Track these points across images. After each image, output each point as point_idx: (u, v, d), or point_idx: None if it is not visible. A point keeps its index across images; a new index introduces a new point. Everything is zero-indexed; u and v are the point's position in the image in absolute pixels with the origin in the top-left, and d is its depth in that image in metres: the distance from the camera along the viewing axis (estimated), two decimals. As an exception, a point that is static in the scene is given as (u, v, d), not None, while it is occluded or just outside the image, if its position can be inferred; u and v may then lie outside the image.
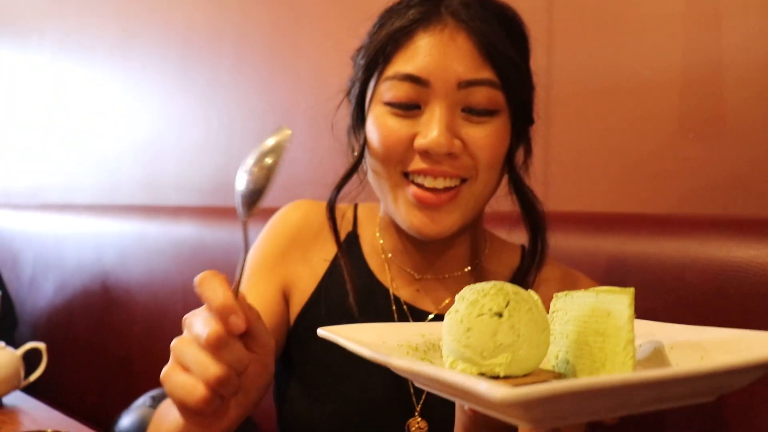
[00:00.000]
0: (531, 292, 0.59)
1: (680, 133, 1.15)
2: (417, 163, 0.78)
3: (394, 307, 0.88)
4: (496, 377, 0.55)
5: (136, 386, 1.82)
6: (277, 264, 0.92)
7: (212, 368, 0.53)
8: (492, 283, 0.57)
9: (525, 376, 0.56)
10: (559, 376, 0.59)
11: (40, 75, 3.09)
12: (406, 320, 0.87)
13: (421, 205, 0.78)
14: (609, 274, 1.02)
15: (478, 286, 0.57)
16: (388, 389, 0.85)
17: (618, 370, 0.53)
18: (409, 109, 0.78)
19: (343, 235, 0.92)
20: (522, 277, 0.87)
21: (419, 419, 0.84)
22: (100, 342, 2.03)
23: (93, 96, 2.74)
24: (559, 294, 0.61)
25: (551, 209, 1.30)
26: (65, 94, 2.91)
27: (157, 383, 1.57)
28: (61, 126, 2.93)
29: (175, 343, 0.57)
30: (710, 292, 0.91)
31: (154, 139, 2.39)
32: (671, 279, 0.95)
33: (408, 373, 0.51)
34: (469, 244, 0.90)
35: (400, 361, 0.49)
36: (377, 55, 0.80)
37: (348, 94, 0.91)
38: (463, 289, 0.58)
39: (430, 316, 0.88)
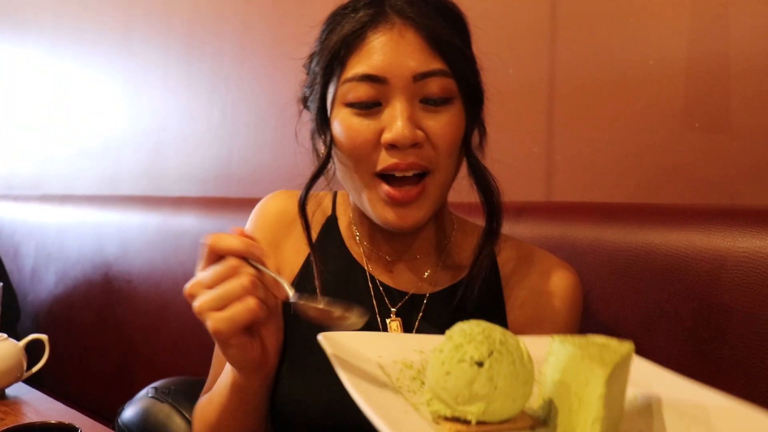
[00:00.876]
0: (521, 342, 0.58)
1: (686, 124, 1.14)
2: (386, 161, 0.82)
3: (371, 287, 0.93)
4: (467, 422, 0.56)
5: (139, 377, 1.82)
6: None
7: (248, 279, 0.70)
8: (482, 327, 0.57)
9: (501, 422, 0.56)
10: (535, 422, 0.58)
11: (41, 67, 3.09)
12: (382, 299, 0.92)
13: (393, 202, 0.83)
14: (613, 265, 1.01)
15: (468, 328, 0.57)
16: None
17: None
18: (371, 107, 0.82)
19: (322, 220, 0.99)
20: (479, 256, 0.90)
21: None
22: (102, 333, 2.03)
23: (94, 87, 2.73)
24: (556, 337, 0.60)
25: (555, 200, 1.30)
26: (66, 85, 2.90)
27: (159, 374, 1.57)
28: (63, 117, 2.92)
29: (203, 294, 0.71)
30: (716, 282, 0.91)
31: (155, 130, 2.38)
32: (677, 269, 0.95)
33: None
34: (436, 229, 0.96)
35: (361, 402, 0.53)
36: (332, 60, 0.84)
37: (305, 101, 0.95)
38: (454, 326, 0.59)
39: (406, 296, 0.92)
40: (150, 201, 2.11)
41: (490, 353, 0.55)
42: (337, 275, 0.94)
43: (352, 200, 0.96)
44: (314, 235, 0.97)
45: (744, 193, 1.07)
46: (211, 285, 0.70)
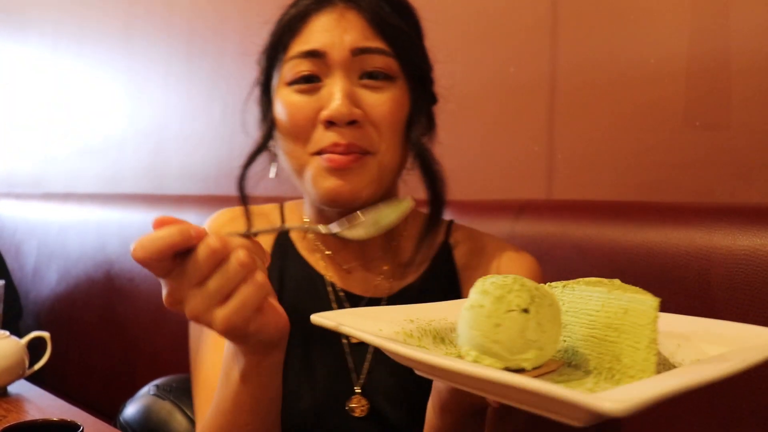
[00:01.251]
0: (547, 288, 0.59)
1: (687, 123, 1.14)
2: (324, 139, 0.81)
3: (331, 294, 0.91)
4: (520, 370, 0.55)
5: (141, 375, 1.83)
6: None
7: (244, 253, 0.57)
8: (512, 277, 0.57)
9: (538, 367, 0.56)
10: (560, 363, 0.59)
11: (42, 66, 3.09)
12: (342, 306, 0.91)
13: (333, 167, 0.81)
14: (614, 263, 1.01)
15: (498, 280, 0.57)
16: (329, 369, 0.87)
17: (640, 366, 0.54)
18: (311, 82, 0.82)
19: (273, 234, 0.96)
20: (417, 249, 0.90)
21: (360, 398, 0.86)
22: (104, 331, 2.03)
23: (95, 86, 2.74)
24: (555, 284, 0.61)
25: (556, 198, 1.30)
26: (68, 84, 2.90)
27: (160, 372, 1.57)
28: (64, 116, 2.92)
29: (196, 293, 0.58)
30: (716, 280, 0.91)
31: (157, 128, 2.38)
32: (677, 268, 0.95)
33: (476, 380, 0.49)
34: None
35: (472, 367, 0.48)
36: (276, 45, 0.86)
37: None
38: (479, 281, 0.58)
39: (364, 301, 0.91)
40: (151, 199, 2.12)
41: (532, 299, 0.55)
42: (295, 285, 0.92)
43: (305, 202, 0.95)
44: (267, 250, 0.95)
45: (745, 192, 1.07)
46: (199, 281, 0.57)
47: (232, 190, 2.22)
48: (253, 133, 0.92)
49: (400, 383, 0.86)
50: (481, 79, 1.35)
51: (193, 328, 0.95)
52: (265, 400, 0.70)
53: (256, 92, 0.91)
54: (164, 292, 0.59)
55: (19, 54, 3.29)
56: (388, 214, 0.65)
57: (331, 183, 0.81)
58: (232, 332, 0.60)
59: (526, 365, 0.55)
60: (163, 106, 2.36)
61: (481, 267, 0.92)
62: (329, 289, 0.92)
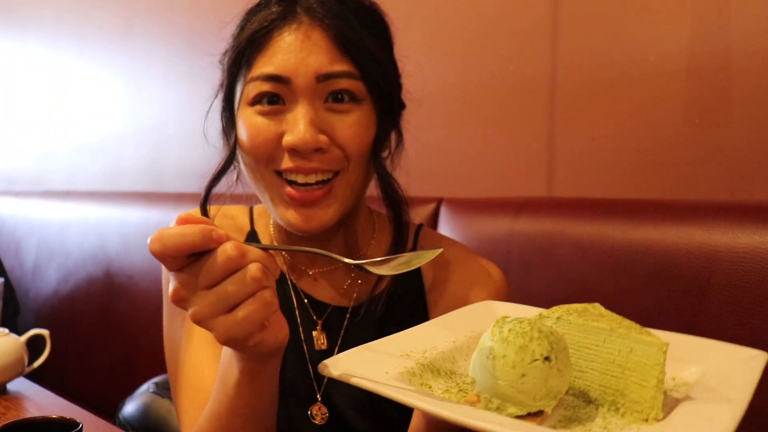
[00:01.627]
0: (555, 328, 0.61)
1: (686, 120, 1.14)
2: (287, 162, 0.79)
3: (294, 299, 0.90)
4: (539, 412, 0.58)
5: (140, 373, 1.83)
6: None
7: (258, 268, 0.57)
8: (527, 322, 0.59)
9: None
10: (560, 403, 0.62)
11: (42, 64, 3.08)
12: (307, 310, 0.90)
13: (296, 203, 0.80)
14: (614, 261, 1.01)
15: (516, 327, 0.58)
16: (294, 376, 0.87)
17: (648, 403, 0.57)
18: (274, 104, 0.79)
19: (243, 236, 0.96)
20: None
21: (320, 405, 0.86)
22: (103, 329, 2.03)
23: (95, 84, 2.73)
24: (547, 314, 0.63)
25: (556, 196, 1.30)
26: (68, 82, 2.90)
27: (160, 370, 1.57)
28: (64, 114, 2.92)
29: (202, 301, 0.58)
30: (716, 278, 0.91)
31: (156, 126, 2.38)
32: (676, 265, 0.95)
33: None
34: (350, 236, 0.93)
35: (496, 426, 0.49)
36: (239, 59, 0.82)
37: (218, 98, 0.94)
38: (496, 327, 0.59)
39: (329, 308, 0.90)
40: (151, 197, 2.11)
41: (551, 346, 0.57)
42: None
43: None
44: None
45: (744, 190, 1.07)
46: (210, 284, 0.57)
47: (231, 188, 2.21)
48: (214, 141, 0.91)
49: (362, 391, 0.86)
50: (481, 78, 1.34)
51: (169, 330, 0.94)
52: (260, 407, 0.70)
53: (219, 103, 0.89)
54: (172, 285, 0.58)
55: (19, 52, 3.29)
56: (421, 259, 0.65)
57: (293, 216, 0.80)
58: (232, 342, 0.59)
59: (548, 409, 0.57)
60: (162, 104, 2.36)
61: (448, 279, 0.91)
62: (293, 295, 0.91)
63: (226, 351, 0.69)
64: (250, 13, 0.84)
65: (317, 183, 0.79)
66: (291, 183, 0.80)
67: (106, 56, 2.67)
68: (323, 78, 0.78)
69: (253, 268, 0.56)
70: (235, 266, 0.56)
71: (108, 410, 1.72)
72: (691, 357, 0.62)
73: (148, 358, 1.83)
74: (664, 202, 1.06)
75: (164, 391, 1.39)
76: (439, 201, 1.27)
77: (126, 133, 2.53)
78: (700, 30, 1.12)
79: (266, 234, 0.96)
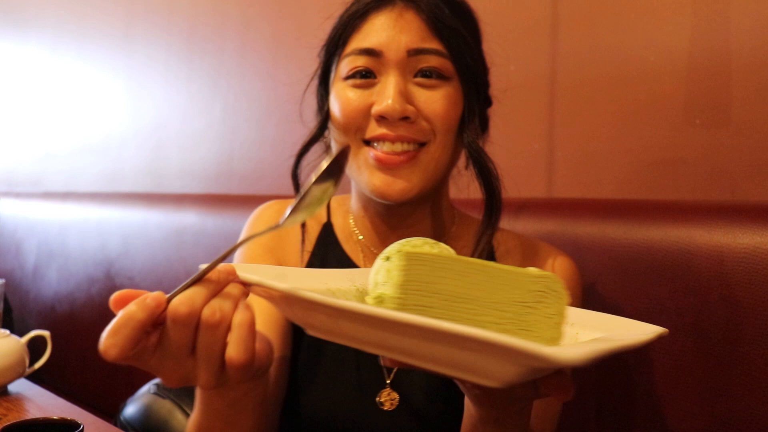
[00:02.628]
0: (434, 249, 0.62)
1: (687, 120, 1.14)
2: (375, 130, 0.83)
3: None
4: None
5: (141, 373, 1.82)
6: (267, 260, 0.96)
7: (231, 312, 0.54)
8: (421, 238, 0.63)
9: None
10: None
11: (42, 65, 3.09)
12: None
13: (382, 166, 0.83)
14: (614, 261, 1.01)
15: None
16: (360, 362, 0.88)
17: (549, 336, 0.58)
18: (366, 77, 0.84)
19: (318, 228, 0.97)
20: (478, 243, 0.89)
21: (390, 391, 0.87)
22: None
23: (95, 84, 2.74)
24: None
25: (556, 196, 1.30)
26: (68, 82, 2.90)
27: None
28: (64, 114, 2.92)
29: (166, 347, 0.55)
30: (717, 278, 0.91)
31: (157, 126, 2.38)
32: (677, 266, 0.95)
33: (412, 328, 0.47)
34: (434, 219, 0.94)
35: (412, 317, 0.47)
36: (336, 39, 0.87)
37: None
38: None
39: None
40: (151, 198, 2.12)
41: (399, 251, 0.56)
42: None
43: (352, 194, 0.96)
44: (311, 246, 0.96)
45: (744, 189, 1.07)
46: (188, 352, 0.55)
47: (232, 189, 2.23)
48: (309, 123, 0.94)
49: (431, 376, 0.86)
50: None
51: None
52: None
53: (318, 81, 0.93)
54: (161, 377, 0.56)
55: (19, 54, 3.29)
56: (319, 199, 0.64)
57: (380, 180, 0.83)
58: (214, 378, 0.56)
59: (370, 302, 0.56)
60: (163, 104, 2.36)
61: (521, 266, 0.91)
62: None
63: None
64: (351, 4, 0.89)
65: (403, 152, 0.82)
66: (377, 150, 0.83)
67: (106, 57, 2.67)
68: (414, 53, 0.82)
69: (206, 314, 0.53)
70: (193, 324, 0.53)
71: (109, 411, 1.72)
72: (597, 326, 0.62)
73: (148, 359, 1.83)
74: (665, 202, 1.06)
75: (165, 391, 1.39)
76: (440, 201, 1.27)
77: (126, 134, 2.53)
78: (700, 29, 1.12)
79: (344, 224, 0.97)
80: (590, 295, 1.03)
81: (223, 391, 0.63)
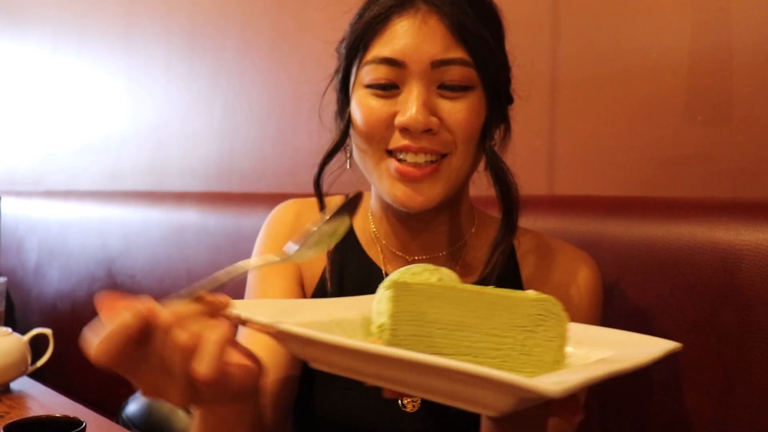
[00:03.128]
0: (434, 277, 0.63)
1: (688, 117, 1.14)
2: (398, 141, 0.82)
3: None
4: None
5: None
6: (282, 265, 0.95)
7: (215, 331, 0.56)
8: (420, 265, 0.64)
9: None
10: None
11: (42, 64, 3.09)
12: None
13: (404, 178, 0.82)
14: (616, 259, 1.01)
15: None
16: None
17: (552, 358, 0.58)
18: (388, 89, 0.82)
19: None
20: (495, 250, 0.89)
21: None
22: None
23: (96, 83, 2.74)
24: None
25: (557, 193, 1.30)
26: (68, 81, 2.90)
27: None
28: (65, 113, 2.92)
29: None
30: (718, 276, 0.91)
31: (157, 125, 2.38)
32: (679, 263, 0.95)
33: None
34: (453, 223, 0.94)
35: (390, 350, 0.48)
36: (357, 43, 0.85)
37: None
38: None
39: None
40: (152, 196, 2.12)
41: (400, 276, 0.60)
42: (355, 280, 0.93)
43: (372, 194, 0.96)
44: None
45: (747, 186, 1.07)
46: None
47: (233, 187, 2.23)
48: (328, 123, 0.93)
49: None
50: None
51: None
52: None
53: (336, 84, 0.91)
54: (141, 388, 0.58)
55: (20, 53, 3.29)
56: (331, 234, 0.66)
57: (402, 192, 0.83)
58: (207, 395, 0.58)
59: (375, 332, 0.59)
60: (163, 103, 2.36)
61: (548, 272, 0.92)
62: None
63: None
64: (371, 2, 0.86)
65: (426, 163, 0.82)
66: (400, 161, 0.82)
67: (106, 56, 2.67)
68: (438, 64, 0.80)
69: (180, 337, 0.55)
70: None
71: (111, 409, 1.72)
72: (609, 344, 0.62)
73: (150, 357, 1.83)
74: (667, 199, 1.06)
75: None
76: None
77: (127, 133, 2.53)
78: (701, 26, 1.12)
79: (363, 224, 0.97)
80: (592, 292, 1.02)
81: (214, 408, 0.65)
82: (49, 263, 2.34)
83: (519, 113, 1.35)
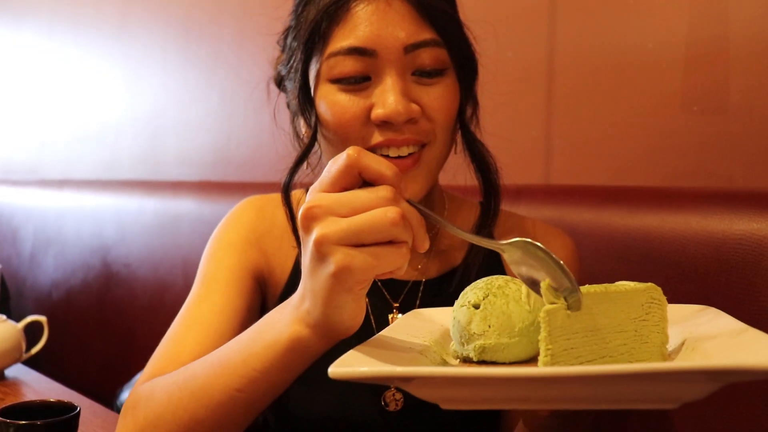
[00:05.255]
0: (523, 287, 0.62)
1: (684, 107, 1.14)
2: (377, 137, 0.76)
3: None
4: (470, 361, 0.61)
5: (137, 360, 1.83)
6: (245, 254, 0.91)
7: (403, 221, 0.56)
8: (490, 278, 0.63)
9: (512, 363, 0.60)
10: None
11: (38, 52, 3.07)
12: (381, 292, 0.88)
13: None
14: (611, 248, 1.02)
15: (480, 280, 0.63)
16: None
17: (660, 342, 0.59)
18: (360, 82, 0.76)
19: None
20: (480, 234, 0.87)
21: (395, 392, 0.84)
22: (100, 317, 2.03)
23: (92, 72, 2.72)
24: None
25: (553, 183, 1.30)
26: (64, 70, 2.89)
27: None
28: (60, 102, 2.91)
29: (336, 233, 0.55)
30: (712, 265, 0.91)
31: (153, 114, 2.38)
32: (673, 252, 0.95)
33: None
34: (429, 208, 0.91)
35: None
36: (313, 34, 0.78)
37: (280, 81, 0.92)
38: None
39: (409, 284, 0.89)
40: (148, 185, 2.11)
41: (486, 296, 0.59)
42: None
43: None
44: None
45: (741, 176, 1.07)
46: (350, 213, 0.55)
47: (229, 176, 2.23)
48: (282, 122, 0.90)
49: None
50: (479, 64, 1.34)
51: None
52: (281, 385, 0.66)
53: (295, 83, 0.83)
54: (310, 202, 0.57)
55: (15, 41, 3.27)
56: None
57: None
58: (343, 276, 0.56)
59: (472, 355, 0.60)
60: (160, 92, 2.35)
61: None
62: None
63: (290, 313, 0.64)
64: None
65: (408, 155, 0.77)
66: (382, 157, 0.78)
67: (102, 45, 2.66)
68: (411, 48, 0.75)
69: (399, 220, 0.55)
70: (385, 206, 0.56)
71: (105, 398, 1.73)
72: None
73: (145, 345, 1.83)
74: (662, 188, 1.06)
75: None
76: (437, 188, 1.27)
77: (123, 122, 2.52)
78: (698, 17, 1.12)
79: None
80: (587, 281, 1.03)
81: (321, 338, 0.62)
82: (45, 252, 2.33)
83: (515, 102, 1.35)
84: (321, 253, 0.56)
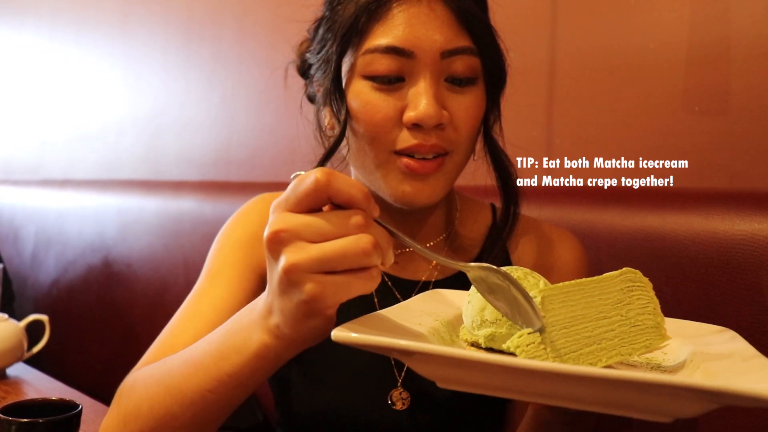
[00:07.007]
0: (542, 280, 0.62)
1: (685, 108, 1.14)
2: (407, 140, 0.77)
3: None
4: (478, 346, 0.61)
5: (138, 359, 1.83)
6: (251, 250, 0.91)
7: (372, 245, 0.53)
8: (513, 268, 0.63)
9: None
10: None
11: (39, 52, 3.08)
12: (391, 292, 0.88)
13: (414, 174, 0.78)
14: (612, 248, 1.02)
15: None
16: (371, 361, 0.85)
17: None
18: (393, 82, 0.77)
19: None
20: (496, 239, 0.88)
21: (402, 390, 0.84)
22: (102, 316, 2.03)
23: (93, 71, 2.73)
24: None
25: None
26: (65, 70, 2.89)
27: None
28: (62, 102, 2.92)
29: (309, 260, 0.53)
30: (714, 265, 0.91)
31: (155, 114, 2.38)
32: (675, 253, 0.95)
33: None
34: (443, 213, 0.92)
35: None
36: (351, 28, 0.77)
37: (306, 69, 0.90)
38: None
39: (419, 284, 0.89)
40: (149, 185, 2.11)
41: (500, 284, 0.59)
42: None
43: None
44: None
45: (742, 177, 1.07)
46: (320, 239, 0.53)
47: (230, 176, 2.22)
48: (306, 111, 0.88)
49: None
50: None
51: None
52: (248, 386, 0.64)
53: (326, 74, 0.82)
54: (275, 225, 0.54)
55: (17, 41, 3.28)
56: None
57: (411, 188, 0.78)
58: (315, 305, 0.54)
59: (481, 341, 0.60)
60: (161, 92, 2.36)
61: (534, 252, 0.91)
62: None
63: (258, 323, 0.61)
64: None
65: (433, 157, 0.78)
66: (409, 157, 0.78)
67: (103, 44, 2.66)
68: (447, 54, 0.75)
69: (368, 245, 0.53)
70: (355, 231, 0.53)
71: (106, 396, 1.73)
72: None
73: (146, 344, 1.83)
74: (663, 189, 1.06)
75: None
76: (438, 188, 1.27)
77: (124, 122, 2.53)
78: (699, 18, 1.12)
79: None
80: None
81: (291, 348, 0.61)
82: (46, 251, 2.34)
83: (516, 102, 1.35)
84: (291, 281, 0.54)
